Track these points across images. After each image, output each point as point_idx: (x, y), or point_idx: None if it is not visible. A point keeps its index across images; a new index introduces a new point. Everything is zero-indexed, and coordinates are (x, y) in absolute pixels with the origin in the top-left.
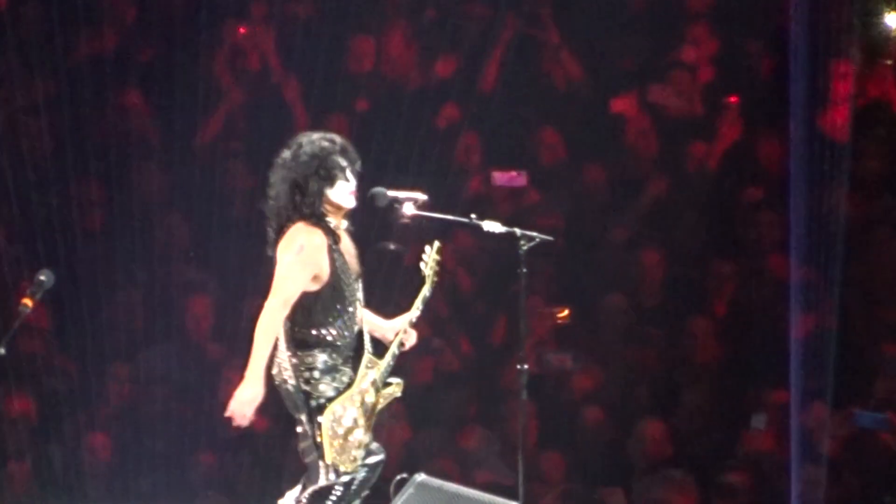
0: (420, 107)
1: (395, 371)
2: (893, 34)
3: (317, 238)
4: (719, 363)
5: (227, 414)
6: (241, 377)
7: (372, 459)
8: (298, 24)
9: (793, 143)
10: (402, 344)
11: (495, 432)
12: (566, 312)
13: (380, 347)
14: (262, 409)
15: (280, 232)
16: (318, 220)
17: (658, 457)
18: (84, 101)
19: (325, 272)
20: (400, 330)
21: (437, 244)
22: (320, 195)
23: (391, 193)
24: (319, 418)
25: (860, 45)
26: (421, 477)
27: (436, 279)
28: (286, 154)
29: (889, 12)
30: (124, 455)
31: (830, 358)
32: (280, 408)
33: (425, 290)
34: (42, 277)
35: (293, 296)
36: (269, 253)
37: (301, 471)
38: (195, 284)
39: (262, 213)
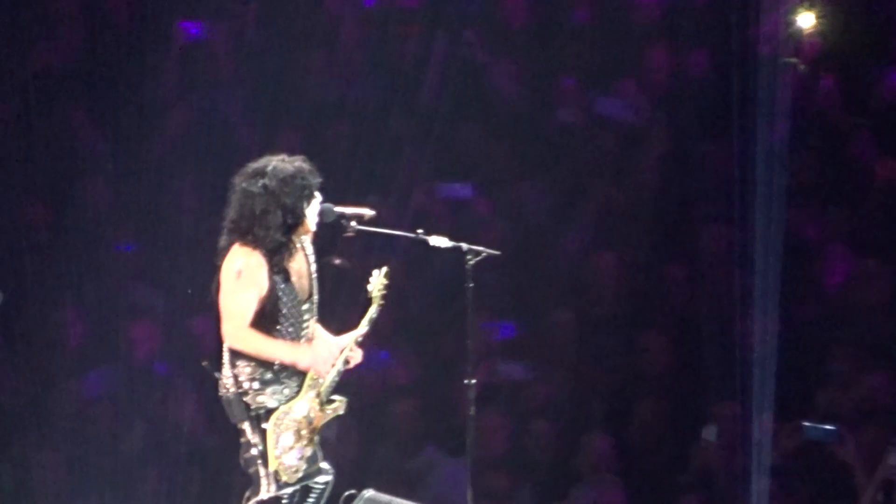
0: (364, 122)
1: (342, 387)
2: (834, 44)
3: (254, 259)
4: (669, 375)
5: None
6: (187, 393)
7: (322, 479)
8: (246, 41)
9: (739, 155)
10: (347, 361)
11: (444, 447)
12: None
13: None
14: (211, 424)
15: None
16: (271, 249)
17: (607, 470)
18: (30, 117)
19: (264, 292)
20: (346, 347)
21: (385, 269)
22: (302, 216)
23: (338, 209)
24: (264, 425)
25: (802, 55)
26: (370, 492)
27: (382, 302)
28: (265, 181)
29: (826, 21)
30: (73, 472)
31: (778, 370)
32: (227, 423)
33: (371, 312)
34: None
35: (246, 314)
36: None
37: (244, 488)
38: (143, 302)
39: (209, 231)
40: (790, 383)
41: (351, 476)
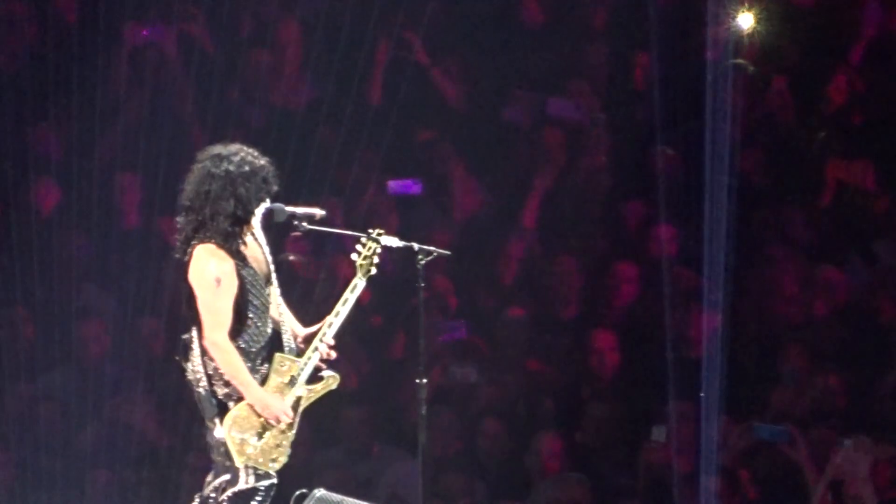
0: (313, 123)
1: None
2: (783, 43)
3: (225, 264)
4: (619, 376)
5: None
6: (138, 393)
7: (265, 482)
8: (195, 40)
9: (688, 155)
10: (316, 350)
11: (396, 447)
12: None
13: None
14: (162, 424)
15: (187, 242)
16: (228, 237)
17: (558, 470)
18: None
19: (237, 292)
20: (317, 335)
21: (375, 233)
22: (252, 211)
23: (289, 209)
24: (223, 422)
25: (751, 57)
26: (320, 492)
27: (372, 269)
28: (229, 166)
29: (775, 23)
30: (24, 472)
31: (727, 370)
32: (178, 422)
33: (356, 281)
34: None
35: (227, 322)
36: (177, 255)
37: (196, 487)
38: (92, 303)
39: (157, 232)
40: (740, 384)
41: (301, 477)
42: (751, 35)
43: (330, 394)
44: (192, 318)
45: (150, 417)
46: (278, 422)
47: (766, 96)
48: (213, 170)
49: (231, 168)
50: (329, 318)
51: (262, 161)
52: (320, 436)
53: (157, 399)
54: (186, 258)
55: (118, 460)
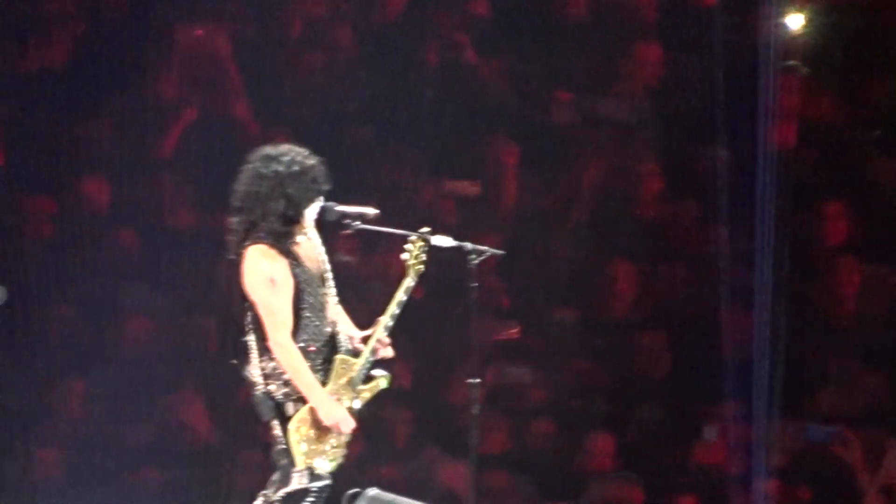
0: (367, 120)
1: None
2: (836, 46)
3: (278, 263)
4: (670, 376)
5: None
6: (189, 389)
7: (318, 483)
8: (249, 38)
9: (740, 155)
10: (374, 351)
11: (447, 447)
12: (516, 330)
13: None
14: (214, 422)
15: (240, 243)
16: (281, 237)
17: (608, 470)
18: (33, 115)
19: (291, 289)
20: (373, 336)
21: (421, 233)
22: (302, 211)
23: (340, 208)
24: (289, 425)
25: (801, 55)
26: (373, 491)
27: (421, 268)
28: (278, 167)
29: (827, 25)
30: (75, 470)
31: (780, 371)
32: (230, 420)
33: (408, 281)
34: None
35: (289, 321)
36: (231, 256)
37: (254, 484)
38: (144, 301)
39: (208, 231)
40: (792, 384)
41: (353, 476)
42: (801, 35)
43: (381, 393)
44: (246, 320)
45: (201, 415)
46: (338, 429)
47: (817, 96)
48: (263, 171)
49: (280, 168)
50: (383, 319)
51: (312, 160)
52: (371, 436)
53: (208, 397)
54: (239, 260)
55: (169, 459)
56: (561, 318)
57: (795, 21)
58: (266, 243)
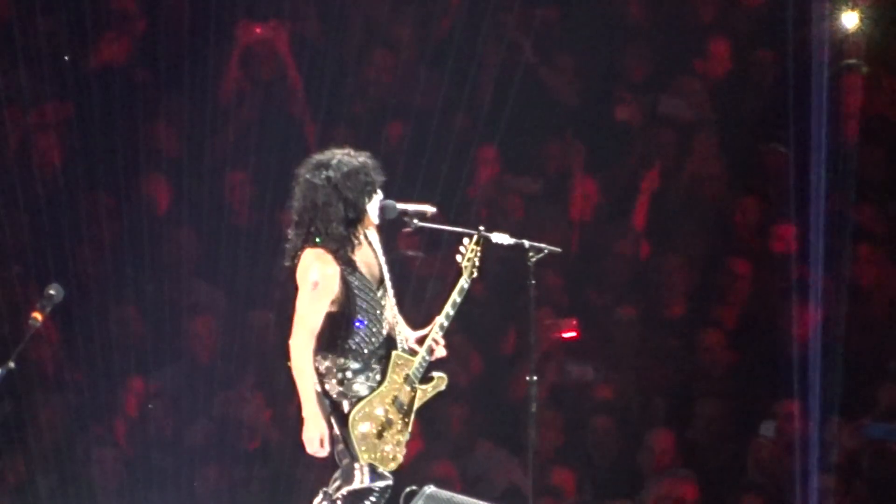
0: (427, 119)
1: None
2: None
3: (329, 268)
4: (730, 373)
5: (309, 453)
6: (248, 389)
7: (380, 483)
8: (311, 37)
9: (802, 152)
10: (430, 350)
11: (505, 444)
12: (572, 330)
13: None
14: (274, 421)
15: (297, 251)
16: (343, 241)
17: (669, 467)
18: (93, 114)
19: (341, 295)
20: (428, 336)
21: (476, 235)
22: (364, 211)
23: (400, 206)
24: (348, 421)
25: (867, 56)
26: (430, 489)
27: (475, 271)
28: (329, 173)
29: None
30: (134, 468)
31: (840, 368)
32: (289, 417)
33: (462, 283)
34: (51, 291)
35: (316, 326)
36: (286, 263)
37: (315, 482)
38: (204, 299)
39: (268, 229)
40: (851, 381)
41: (411, 473)
42: (860, 34)
43: (441, 391)
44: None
45: (260, 413)
46: (303, 446)
47: (877, 94)
48: (315, 180)
49: (331, 174)
50: (439, 319)
51: (361, 158)
52: (429, 434)
53: (267, 394)
54: (296, 261)
55: (229, 456)
56: (621, 316)
57: (853, 18)
58: (325, 248)
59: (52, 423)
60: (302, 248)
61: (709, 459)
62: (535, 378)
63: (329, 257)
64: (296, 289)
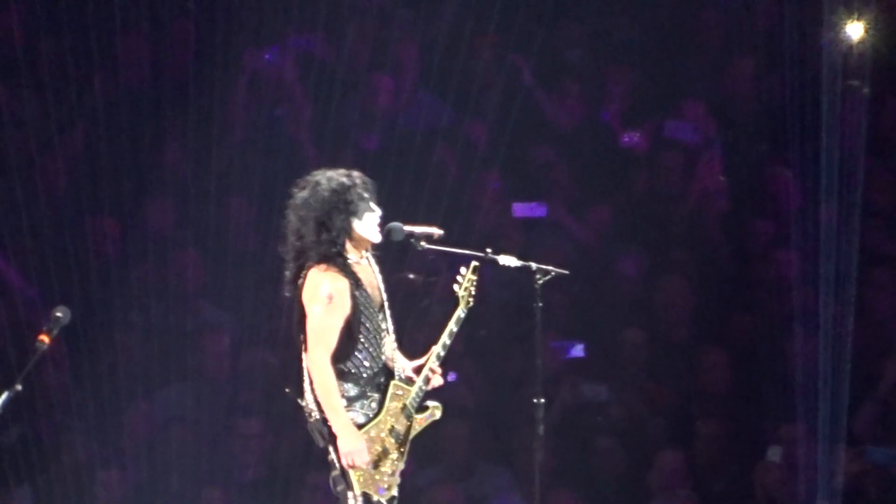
0: (433, 143)
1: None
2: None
3: (339, 283)
4: (733, 396)
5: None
6: (254, 409)
7: (385, 496)
8: (314, 62)
9: (805, 177)
10: (427, 380)
11: (512, 466)
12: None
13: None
14: (277, 448)
15: (299, 272)
16: (335, 259)
17: (673, 488)
18: (98, 137)
19: (349, 312)
20: (425, 366)
21: (473, 264)
22: (346, 230)
23: (407, 228)
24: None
25: (863, 74)
26: None
27: (471, 301)
28: (304, 193)
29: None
30: (138, 492)
31: (844, 392)
32: (298, 443)
33: (459, 312)
34: (58, 314)
35: (333, 342)
36: (287, 293)
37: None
38: (209, 321)
39: (275, 250)
40: (855, 406)
41: (409, 495)
42: (862, 54)
43: (446, 412)
44: (301, 345)
45: (266, 436)
46: (351, 461)
47: (884, 115)
48: (294, 200)
49: (305, 194)
50: (435, 349)
51: (342, 178)
52: (433, 456)
53: (273, 417)
54: (300, 282)
55: (233, 480)
56: (626, 337)
57: (857, 38)
58: (325, 264)
59: (58, 446)
60: (305, 270)
61: (710, 482)
62: (542, 400)
63: (336, 271)
64: (298, 305)
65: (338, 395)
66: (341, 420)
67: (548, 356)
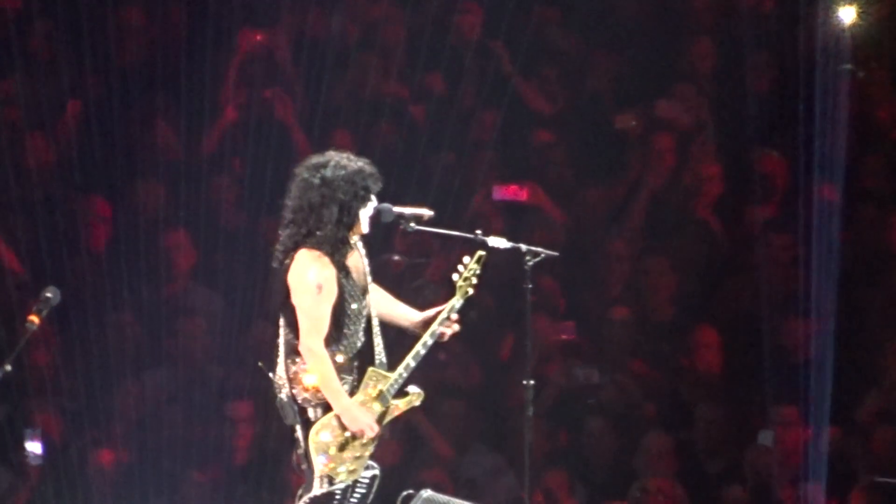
0: (422, 123)
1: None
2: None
3: (327, 271)
4: (726, 379)
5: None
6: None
7: (367, 473)
8: (304, 41)
9: (798, 160)
10: (408, 368)
11: (502, 448)
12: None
13: (393, 360)
14: (265, 426)
15: (294, 248)
16: (337, 246)
17: (664, 471)
18: (90, 117)
19: (336, 300)
20: (409, 355)
21: (479, 253)
22: (358, 216)
23: (396, 209)
24: (310, 431)
25: (860, 61)
26: (427, 492)
27: (469, 291)
28: (326, 172)
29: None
30: (130, 471)
31: (835, 375)
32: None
33: (454, 302)
34: (48, 294)
35: (325, 329)
36: (274, 265)
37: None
38: (199, 302)
39: (265, 232)
40: (846, 389)
41: (409, 477)
42: (857, 38)
43: (435, 393)
44: (280, 321)
45: (253, 417)
46: (362, 435)
47: (876, 99)
48: (311, 180)
49: (328, 174)
50: (425, 338)
51: (359, 163)
52: (424, 438)
53: (260, 398)
54: (287, 261)
55: (221, 461)
56: (615, 319)
57: (850, 22)
58: (320, 250)
59: (48, 427)
60: (295, 249)
61: (702, 464)
62: (531, 382)
63: (326, 259)
64: (282, 284)
65: (336, 379)
66: (343, 402)
67: (538, 338)
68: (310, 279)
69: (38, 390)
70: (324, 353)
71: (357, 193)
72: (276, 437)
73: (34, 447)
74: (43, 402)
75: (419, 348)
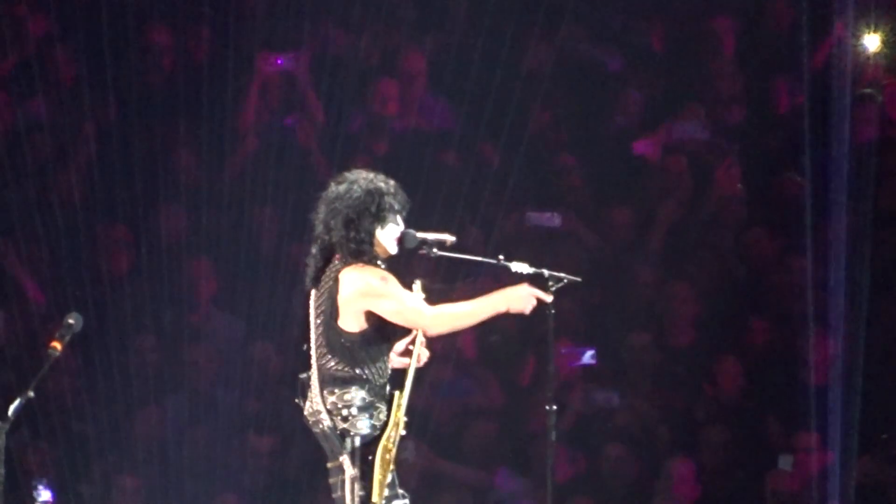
0: (445, 149)
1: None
2: None
3: (376, 269)
4: (745, 402)
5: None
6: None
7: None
8: (326, 67)
9: (816, 183)
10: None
11: (524, 473)
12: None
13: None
14: (287, 454)
15: (325, 266)
16: (370, 260)
17: (684, 497)
18: (111, 144)
19: (376, 317)
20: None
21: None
22: (371, 234)
23: (420, 235)
24: (370, 457)
25: (879, 85)
26: None
27: (419, 365)
28: (340, 188)
29: None
30: (153, 497)
31: (856, 398)
32: (308, 452)
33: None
34: (70, 321)
35: (419, 301)
36: (308, 286)
37: None
38: (222, 328)
39: (287, 258)
40: (868, 413)
41: (428, 500)
42: (877, 63)
43: (460, 419)
44: (314, 348)
45: (276, 445)
46: (523, 307)
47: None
48: (332, 198)
49: (346, 193)
50: (412, 362)
51: (381, 184)
52: (451, 462)
53: (283, 425)
54: (332, 284)
55: (246, 486)
56: (636, 343)
57: (874, 43)
58: (361, 261)
59: (71, 451)
60: (336, 270)
61: (721, 489)
62: (554, 407)
63: (373, 266)
64: (332, 310)
65: (462, 304)
66: (490, 301)
67: (560, 363)
68: (371, 281)
69: (62, 416)
70: (438, 309)
71: (367, 210)
72: (296, 466)
73: (45, 495)
74: (66, 427)
75: (411, 373)
